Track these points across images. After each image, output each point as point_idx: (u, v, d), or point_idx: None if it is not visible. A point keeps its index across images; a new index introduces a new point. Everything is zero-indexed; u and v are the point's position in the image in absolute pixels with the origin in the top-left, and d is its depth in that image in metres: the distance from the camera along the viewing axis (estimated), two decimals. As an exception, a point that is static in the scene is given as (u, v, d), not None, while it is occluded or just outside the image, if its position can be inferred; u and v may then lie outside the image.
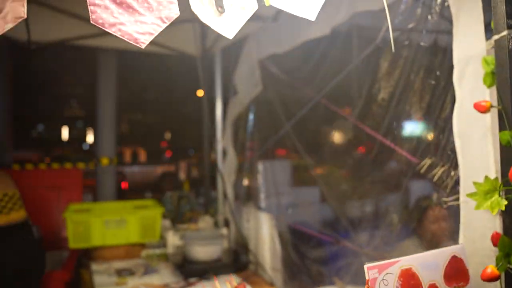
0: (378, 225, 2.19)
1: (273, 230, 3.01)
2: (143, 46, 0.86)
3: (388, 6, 1.20)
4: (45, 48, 3.45)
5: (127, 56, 5.02)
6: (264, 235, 3.05)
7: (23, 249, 2.79)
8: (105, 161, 4.80)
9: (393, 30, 1.68)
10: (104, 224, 2.89)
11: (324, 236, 2.71)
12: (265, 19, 2.79)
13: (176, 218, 4.41)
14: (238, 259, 2.90)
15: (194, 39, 3.48)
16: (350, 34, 2.50)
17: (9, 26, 0.76)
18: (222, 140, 3.45)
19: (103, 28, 0.83)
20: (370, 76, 2.07)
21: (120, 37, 0.84)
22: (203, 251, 2.64)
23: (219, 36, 3.44)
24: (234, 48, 3.70)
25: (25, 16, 0.76)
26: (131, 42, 0.85)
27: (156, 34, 0.87)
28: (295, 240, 3.04)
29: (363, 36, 2.36)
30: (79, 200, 3.99)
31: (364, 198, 2.53)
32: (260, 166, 3.32)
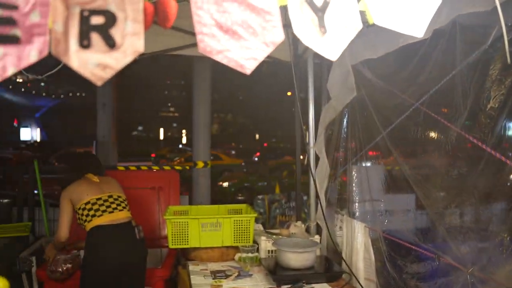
0: (486, 242, 2.02)
1: (367, 240, 2.93)
2: (248, 72, 0.88)
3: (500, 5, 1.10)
4: (148, 58, 3.69)
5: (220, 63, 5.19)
6: (358, 244, 2.98)
7: (128, 247, 3.01)
8: (200, 164, 5.02)
9: (507, 32, 1.54)
10: (200, 226, 3.02)
11: (422, 249, 2.58)
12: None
13: (267, 221, 4.47)
14: (331, 268, 2.86)
15: (287, 45, 3.50)
16: (453, 36, 2.34)
17: (128, 60, 0.82)
18: (315, 145, 3.43)
19: (211, 56, 0.86)
20: (477, 83, 1.92)
21: (226, 64, 0.87)
22: (296, 259, 2.64)
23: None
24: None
25: (143, 50, 0.81)
26: (237, 68, 0.87)
27: (260, 59, 0.88)
28: (390, 251, 2.92)
29: (469, 38, 2.19)
30: (176, 202, 4.20)
31: (467, 210, 2.36)
32: (353, 172, 3.24)
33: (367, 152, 3.09)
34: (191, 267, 2.97)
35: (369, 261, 2.93)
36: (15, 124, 30.58)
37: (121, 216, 3.06)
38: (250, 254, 2.97)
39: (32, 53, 0.81)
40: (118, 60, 0.82)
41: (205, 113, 5.17)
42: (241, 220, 3.11)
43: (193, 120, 5.29)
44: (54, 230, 4.80)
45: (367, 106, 3.00)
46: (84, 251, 3.04)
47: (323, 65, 3.68)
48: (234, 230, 3.09)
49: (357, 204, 3.20)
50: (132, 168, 4.74)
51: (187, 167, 5.21)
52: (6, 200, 4.87)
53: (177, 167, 4.77)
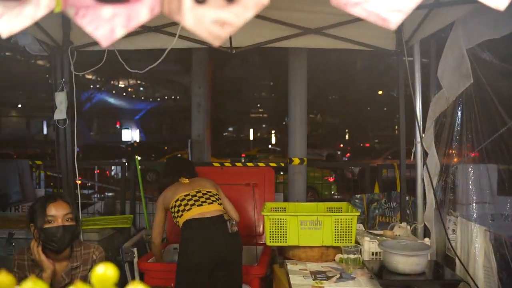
0: None
1: (488, 245, 2.59)
2: (392, 27, 0.72)
3: None
4: (244, 52, 3.65)
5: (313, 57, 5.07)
6: (476, 250, 2.65)
7: (219, 240, 2.97)
8: (296, 161, 4.91)
9: None
10: (299, 224, 2.88)
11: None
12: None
13: (366, 222, 4.21)
14: (445, 275, 2.56)
15: (389, 32, 3.24)
16: None
17: (250, 14, 0.70)
18: (423, 140, 3.13)
19: (344, 10, 0.71)
20: None
21: (365, 17, 0.71)
22: (406, 263, 2.39)
23: (418, 27, 3.14)
24: (435, 39, 3.35)
25: (267, 2, 0.68)
26: (378, 22, 0.71)
27: (407, 11, 0.71)
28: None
29: None
30: (271, 198, 4.11)
31: None
32: (470, 170, 2.90)
33: (486, 146, 2.73)
34: (290, 266, 2.84)
35: (491, 270, 2.58)
36: (117, 126, 33.02)
37: (211, 208, 3.05)
38: (352, 256, 2.76)
39: (142, 11, 0.72)
40: (238, 15, 0.70)
41: (301, 108, 5.07)
42: (343, 219, 2.91)
43: (289, 116, 5.20)
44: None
45: (487, 94, 2.66)
46: (179, 245, 3.08)
47: (431, 51, 3.37)
48: (335, 229, 2.90)
49: (474, 205, 2.85)
50: (227, 164, 4.76)
51: (282, 164, 5.11)
52: (110, 194, 5.15)
53: (272, 164, 4.68)
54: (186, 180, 3.24)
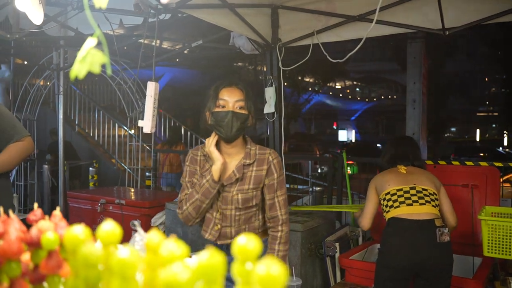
0: None
1: None
2: None
3: None
4: (459, 32, 3.20)
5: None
6: None
7: (422, 248, 2.64)
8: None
9: None
10: None
11: None
12: None
13: None
14: None
15: None
16: None
17: None
18: None
19: None
20: None
21: None
22: None
23: None
24: None
25: None
26: None
27: None
28: None
29: None
30: (495, 203, 3.51)
31: None
32: None
33: None
34: (513, 284, 2.35)
35: None
36: (334, 126, 33.95)
37: (422, 210, 2.71)
38: None
39: None
40: None
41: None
42: None
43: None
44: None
45: None
46: (380, 242, 2.87)
47: None
48: None
49: None
50: (442, 162, 4.28)
51: (510, 164, 4.32)
52: (318, 188, 5.26)
53: (497, 164, 4.00)
54: (404, 170, 2.92)
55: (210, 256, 0.60)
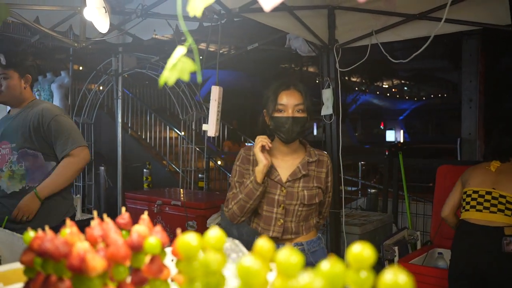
0: None
1: None
2: None
3: None
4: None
5: None
6: None
7: (487, 256, 2.53)
8: None
9: None
10: None
11: None
12: None
13: None
14: None
15: None
16: None
17: None
18: None
19: None
20: None
21: None
22: None
23: None
24: None
25: None
26: None
27: None
28: None
29: None
30: None
31: None
32: None
33: None
34: None
35: None
36: (381, 127, 33.19)
37: (492, 218, 2.60)
38: None
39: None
40: None
41: None
42: None
43: None
44: (417, 224, 4.72)
45: None
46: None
47: None
48: None
49: None
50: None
51: None
52: (373, 191, 5.16)
53: None
54: (494, 167, 2.73)
55: (332, 264, 0.60)
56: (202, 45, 7.28)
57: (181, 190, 6.07)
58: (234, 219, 2.16)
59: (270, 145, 2.09)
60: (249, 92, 17.12)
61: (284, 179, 2.15)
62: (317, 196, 2.18)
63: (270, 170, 2.14)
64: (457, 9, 3.12)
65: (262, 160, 2.06)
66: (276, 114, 2.11)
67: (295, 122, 2.07)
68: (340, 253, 3.47)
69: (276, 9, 3.09)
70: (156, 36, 4.94)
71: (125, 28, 3.82)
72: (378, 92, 29.32)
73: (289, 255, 0.60)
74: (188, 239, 0.73)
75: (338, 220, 3.56)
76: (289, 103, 2.09)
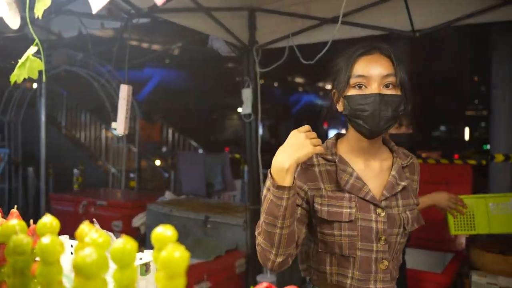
0: None
1: None
2: None
3: None
4: (430, 34, 3.26)
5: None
6: None
7: None
8: (499, 157, 4.18)
9: None
10: (487, 207, 2.39)
11: None
12: None
13: None
14: None
15: None
16: None
17: None
18: None
19: None
20: None
21: None
22: None
23: None
24: None
25: None
26: None
27: None
28: None
29: None
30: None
31: None
32: None
33: None
34: (475, 278, 2.43)
35: None
36: (324, 126, 34.05)
37: None
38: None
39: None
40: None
41: (508, 95, 4.30)
42: None
43: (492, 105, 4.48)
44: None
45: None
46: None
47: None
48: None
49: None
50: (419, 160, 4.37)
51: (484, 162, 4.43)
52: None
53: (471, 161, 4.09)
54: None
55: (124, 242, 0.66)
56: (137, 42, 7.23)
57: (111, 190, 5.98)
58: (266, 259, 1.27)
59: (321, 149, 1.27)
60: (192, 92, 17.03)
61: (377, 195, 1.36)
62: (417, 217, 1.42)
63: (351, 182, 1.35)
64: (365, 15, 3.31)
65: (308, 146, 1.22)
66: (353, 92, 1.34)
67: (384, 103, 1.29)
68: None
69: (191, 10, 3.14)
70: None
71: (50, 25, 3.74)
72: (321, 93, 30.07)
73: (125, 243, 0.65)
74: (11, 223, 0.78)
75: (257, 217, 3.65)
76: (373, 73, 1.31)
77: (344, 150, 1.44)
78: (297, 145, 1.22)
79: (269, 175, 1.22)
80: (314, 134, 1.28)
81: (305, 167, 1.39)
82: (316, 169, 1.39)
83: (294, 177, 1.21)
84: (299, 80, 23.41)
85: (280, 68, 3.62)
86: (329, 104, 1.50)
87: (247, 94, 3.66)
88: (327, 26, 3.46)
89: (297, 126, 1.29)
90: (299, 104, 25.36)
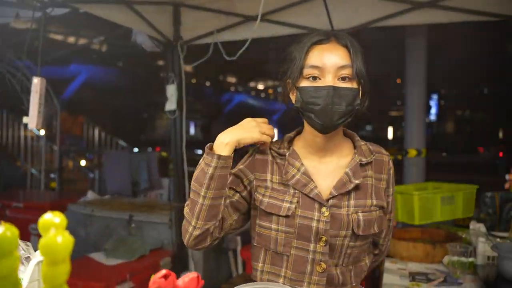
0: None
1: None
2: None
3: None
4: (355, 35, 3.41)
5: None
6: None
7: None
8: (412, 152, 4.48)
9: None
10: (441, 200, 2.91)
11: None
12: None
13: (497, 225, 3.63)
14: None
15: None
16: None
17: None
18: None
19: None
20: None
21: None
22: (523, 269, 1.97)
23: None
24: None
25: None
26: None
27: None
28: None
29: None
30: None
31: None
32: None
33: None
34: (387, 264, 2.57)
35: None
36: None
37: None
38: (463, 258, 2.38)
39: None
40: None
41: (420, 93, 4.65)
42: (469, 192, 3.07)
43: (405, 102, 4.80)
44: None
45: None
46: None
47: None
48: (464, 203, 3.00)
49: None
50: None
51: (399, 157, 4.72)
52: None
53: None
54: None
55: (4, 229, 0.62)
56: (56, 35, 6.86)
57: (28, 191, 5.64)
58: (185, 231, 1.28)
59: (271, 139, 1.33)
60: (121, 90, 16.50)
61: (325, 193, 1.28)
62: (377, 221, 1.31)
63: (297, 177, 1.29)
64: (289, 13, 3.39)
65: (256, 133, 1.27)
66: (305, 83, 1.24)
67: (337, 96, 1.20)
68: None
69: (111, 2, 3.04)
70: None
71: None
72: (253, 93, 30.40)
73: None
74: None
75: (183, 215, 3.62)
76: (328, 64, 1.21)
77: (299, 145, 1.38)
78: (245, 128, 1.25)
79: (207, 145, 1.22)
80: (268, 125, 1.31)
81: (257, 157, 1.36)
82: (268, 161, 1.35)
83: (231, 156, 1.21)
84: (231, 79, 23.50)
85: (212, 68, 3.62)
86: (281, 95, 1.38)
87: (171, 90, 3.61)
88: (251, 23, 3.50)
89: (229, 125, 1.29)
90: (231, 104, 25.49)
